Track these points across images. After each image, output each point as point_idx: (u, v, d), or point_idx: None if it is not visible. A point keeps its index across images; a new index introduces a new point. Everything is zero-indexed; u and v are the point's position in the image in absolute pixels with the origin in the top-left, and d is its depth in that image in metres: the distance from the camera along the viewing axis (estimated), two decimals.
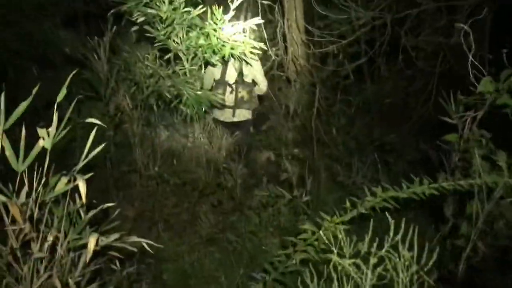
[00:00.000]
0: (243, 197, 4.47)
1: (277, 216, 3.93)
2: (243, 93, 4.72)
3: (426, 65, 5.30)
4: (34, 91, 1.73)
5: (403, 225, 1.98)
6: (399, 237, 1.99)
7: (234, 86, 4.67)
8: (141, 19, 4.06)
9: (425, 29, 5.46)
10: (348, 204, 2.54)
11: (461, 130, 3.03)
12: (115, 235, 1.89)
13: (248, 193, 4.50)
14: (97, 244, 1.76)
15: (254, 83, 4.87)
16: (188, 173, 4.68)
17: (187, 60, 4.34)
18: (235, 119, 4.81)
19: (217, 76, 4.71)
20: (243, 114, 4.83)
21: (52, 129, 1.74)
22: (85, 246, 2.04)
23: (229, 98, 4.70)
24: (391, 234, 1.96)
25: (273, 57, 5.86)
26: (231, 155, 4.62)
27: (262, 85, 4.93)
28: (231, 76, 4.69)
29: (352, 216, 2.43)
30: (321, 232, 2.30)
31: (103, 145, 1.98)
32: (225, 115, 4.81)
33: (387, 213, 2.11)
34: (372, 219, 2.19)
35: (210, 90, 4.68)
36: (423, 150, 4.10)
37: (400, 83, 6.00)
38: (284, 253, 2.67)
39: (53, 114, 4.64)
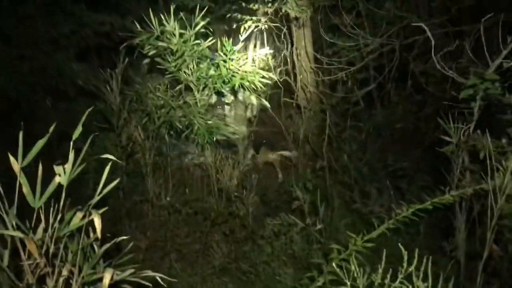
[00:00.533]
0: (255, 226, 4.44)
1: (290, 245, 3.89)
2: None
3: (436, 90, 5.30)
4: (51, 129, 1.76)
5: (416, 255, 1.95)
6: (412, 268, 1.96)
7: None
8: (152, 51, 4.14)
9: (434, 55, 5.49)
10: (374, 221, 2.52)
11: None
12: (130, 270, 1.88)
13: (260, 221, 4.48)
14: (111, 279, 1.76)
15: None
16: (200, 202, 4.68)
17: (198, 90, 4.40)
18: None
19: None
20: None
21: (68, 166, 1.76)
22: (99, 280, 2.03)
23: None
24: (405, 264, 1.93)
25: (282, 86, 5.89)
26: (242, 183, 4.61)
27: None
28: None
29: (380, 232, 2.39)
30: (332, 264, 2.25)
31: (117, 180, 1.99)
32: None
33: (399, 244, 2.06)
34: (384, 249, 2.16)
35: None
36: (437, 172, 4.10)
37: (410, 108, 5.99)
38: (309, 276, 2.63)
39: (68, 147, 4.70)
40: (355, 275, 2.08)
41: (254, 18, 5.78)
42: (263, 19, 5.94)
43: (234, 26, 5.66)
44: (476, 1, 5.71)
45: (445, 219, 3.56)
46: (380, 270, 1.95)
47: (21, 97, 5.53)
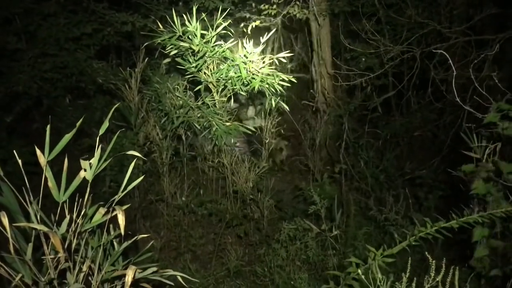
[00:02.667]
0: (269, 229, 4.42)
1: (305, 250, 3.86)
2: None
3: (456, 98, 5.23)
4: (78, 124, 1.76)
5: (444, 265, 1.90)
6: (439, 278, 1.92)
7: None
8: (174, 51, 4.16)
9: (455, 62, 5.43)
10: (396, 236, 2.46)
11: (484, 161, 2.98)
12: (152, 268, 1.87)
13: (275, 225, 4.46)
14: (133, 277, 1.75)
15: None
16: (215, 203, 4.68)
17: (217, 91, 4.40)
18: None
19: None
20: None
21: (94, 161, 1.76)
22: (118, 277, 2.03)
23: None
24: (432, 274, 1.89)
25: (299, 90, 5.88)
26: (258, 186, 4.60)
27: None
28: None
29: (400, 248, 2.34)
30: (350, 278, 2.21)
31: (141, 178, 1.98)
32: None
33: (426, 253, 2.02)
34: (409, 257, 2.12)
35: None
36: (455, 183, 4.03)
37: (429, 116, 5.92)
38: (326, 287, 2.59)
39: (86, 143, 4.70)
40: (378, 282, 2.04)
41: (268, 19, 5.81)
42: (278, 20, 5.96)
43: (250, 27, 5.67)
44: (499, 9, 5.63)
45: (463, 229, 3.50)
46: (405, 279, 1.90)
47: (42, 94, 5.58)
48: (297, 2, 5.81)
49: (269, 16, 5.80)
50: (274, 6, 5.76)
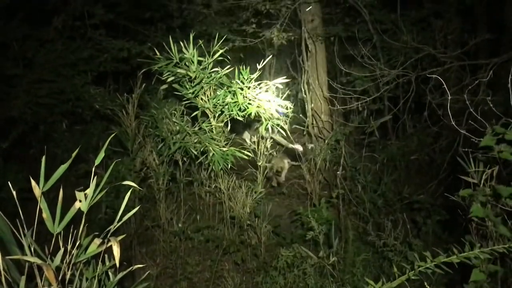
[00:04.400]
0: (267, 256, 4.36)
1: (303, 277, 3.80)
2: None
3: (452, 122, 5.26)
4: (73, 154, 1.74)
5: None
6: None
7: None
8: (171, 78, 4.18)
9: (450, 87, 5.49)
10: (395, 269, 2.41)
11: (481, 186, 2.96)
12: None
13: (272, 251, 4.40)
14: None
15: None
16: (212, 229, 4.63)
17: (214, 117, 4.41)
18: None
19: None
20: None
21: (90, 192, 1.74)
22: None
23: None
24: None
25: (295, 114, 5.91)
26: (255, 212, 4.55)
27: None
28: None
29: (399, 282, 2.29)
30: None
31: (137, 208, 1.96)
32: None
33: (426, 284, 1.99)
34: None
35: None
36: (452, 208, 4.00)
37: (426, 140, 5.94)
38: None
39: (82, 169, 4.67)
40: None
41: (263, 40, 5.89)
42: (276, 41, 6.04)
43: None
44: (493, 35, 5.73)
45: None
46: None
47: (38, 119, 5.58)
48: (276, 26, 5.92)
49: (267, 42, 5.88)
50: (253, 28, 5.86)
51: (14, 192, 1.71)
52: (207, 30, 5.39)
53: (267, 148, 4.80)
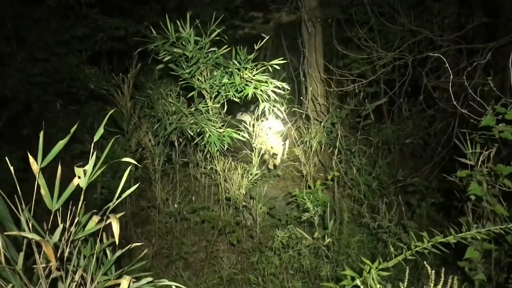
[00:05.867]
0: (262, 237, 4.39)
1: (298, 258, 3.84)
2: None
3: (447, 105, 5.27)
4: (72, 130, 1.72)
5: (443, 275, 1.89)
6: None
7: None
8: (167, 57, 4.13)
9: (447, 70, 5.50)
10: (391, 249, 2.43)
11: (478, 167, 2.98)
12: (147, 278, 1.84)
13: (267, 232, 4.43)
14: (128, 287, 1.71)
15: None
16: (207, 210, 4.64)
17: (210, 98, 4.38)
18: None
19: None
20: None
21: (89, 168, 1.73)
22: (111, 287, 1.99)
23: None
24: (431, 284, 1.87)
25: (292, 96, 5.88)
26: (250, 193, 4.57)
27: None
28: None
29: (396, 262, 2.31)
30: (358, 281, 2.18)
31: (135, 186, 1.95)
32: None
33: (425, 263, 2.00)
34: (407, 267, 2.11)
35: None
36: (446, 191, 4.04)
37: (421, 123, 5.96)
38: None
39: (77, 148, 4.65)
40: None
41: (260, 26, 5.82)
42: (271, 25, 5.99)
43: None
44: (489, 19, 5.71)
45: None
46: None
47: (32, 99, 5.52)
48: (285, 9, 5.86)
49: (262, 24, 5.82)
50: (261, 14, 5.79)
51: (12, 169, 1.70)
52: (201, 12, 5.31)
53: (262, 130, 4.79)
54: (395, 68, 5.71)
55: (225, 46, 4.20)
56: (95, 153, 1.72)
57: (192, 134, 4.35)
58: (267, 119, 4.78)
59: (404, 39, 5.52)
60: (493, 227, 2.23)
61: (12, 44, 5.32)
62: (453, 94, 5.14)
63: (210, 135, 4.21)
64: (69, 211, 1.82)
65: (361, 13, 6.08)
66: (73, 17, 5.37)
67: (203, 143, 4.39)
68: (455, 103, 3.33)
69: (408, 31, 5.47)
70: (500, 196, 2.82)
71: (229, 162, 4.61)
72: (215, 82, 4.23)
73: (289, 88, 4.35)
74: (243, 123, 4.86)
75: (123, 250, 2.08)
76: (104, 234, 2.04)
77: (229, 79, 4.19)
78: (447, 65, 3.40)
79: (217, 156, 4.53)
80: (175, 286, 1.84)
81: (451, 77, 3.49)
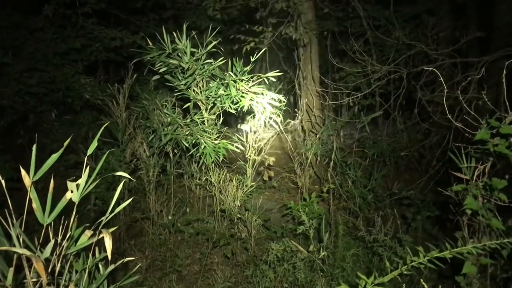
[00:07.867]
0: (257, 249, 4.36)
1: (293, 271, 3.80)
2: None
3: (442, 119, 5.30)
4: (65, 143, 1.70)
5: None
6: None
7: None
8: (163, 68, 4.13)
9: (441, 84, 5.53)
10: (387, 264, 2.41)
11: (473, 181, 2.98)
12: None
13: (262, 245, 4.39)
14: None
15: None
16: (202, 222, 4.61)
17: (206, 109, 4.37)
18: None
19: None
20: None
21: (82, 182, 1.71)
22: None
23: None
24: None
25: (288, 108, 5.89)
26: (245, 205, 4.54)
27: None
28: None
29: (392, 277, 2.28)
30: None
31: (129, 200, 1.93)
32: None
33: (422, 281, 1.99)
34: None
35: None
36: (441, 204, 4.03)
37: (416, 136, 5.98)
38: None
39: (71, 159, 4.61)
40: None
41: (257, 40, 5.85)
42: (266, 41, 6.00)
43: (244, 50, 5.70)
44: (485, 33, 5.77)
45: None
46: None
47: (28, 109, 5.50)
48: (291, 23, 5.87)
49: (263, 38, 5.84)
50: (270, 29, 5.80)
51: (3, 182, 1.68)
52: (196, 22, 5.33)
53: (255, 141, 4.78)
54: (390, 81, 5.74)
55: (221, 58, 4.20)
56: (88, 167, 1.70)
57: (187, 145, 4.33)
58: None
59: (399, 52, 5.57)
60: (489, 242, 2.22)
61: (9, 54, 5.31)
62: (448, 107, 5.18)
63: (205, 146, 4.20)
64: (61, 225, 1.79)
65: (356, 25, 6.14)
66: (69, 27, 5.38)
67: (198, 154, 4.37)
68: (449, 116, 3.33)
69: (403, 45, 5.52)
70: (495, 210, 2.82)
71: (224, 173, 4.59)
72: (211, 94, 4.23)
73: (285, 100, 4.36)
74: (237, 135, 4.84)
75: (116, 264, 2.06)
76: (96, 248, 2.02)
77: (225, 91, 4.19)
78: (442, 78, 3.41)
79: (212, 167, 4.51)
80: None
81: (446, 90, 3.51)
